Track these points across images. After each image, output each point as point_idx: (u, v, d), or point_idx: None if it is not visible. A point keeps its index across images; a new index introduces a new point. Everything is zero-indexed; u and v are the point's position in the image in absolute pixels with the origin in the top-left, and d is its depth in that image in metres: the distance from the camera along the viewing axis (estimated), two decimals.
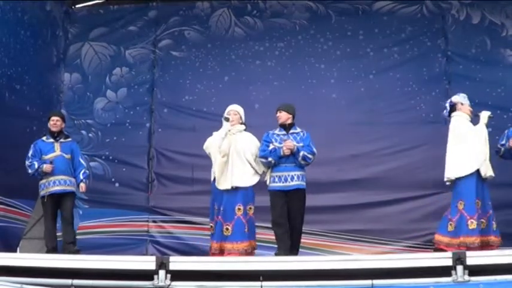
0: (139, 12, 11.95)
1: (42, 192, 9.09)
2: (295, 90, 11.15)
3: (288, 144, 8.49)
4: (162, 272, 7.29)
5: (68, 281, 7.32)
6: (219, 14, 11.82)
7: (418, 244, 10.62)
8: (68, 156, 9.20)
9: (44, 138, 9.27)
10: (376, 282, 6.97)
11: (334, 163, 10.99)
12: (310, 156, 8.56)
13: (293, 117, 8.75)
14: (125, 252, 10.47)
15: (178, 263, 7.41)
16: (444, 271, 6.92)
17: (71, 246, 9.00)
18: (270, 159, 8.54)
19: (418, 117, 11.08)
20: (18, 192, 9.91)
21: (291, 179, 8.50)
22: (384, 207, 10.87)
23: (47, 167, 8.97)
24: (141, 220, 11.24)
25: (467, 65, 11.21)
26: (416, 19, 11.50)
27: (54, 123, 9.29)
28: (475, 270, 6.87)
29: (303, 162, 8.55)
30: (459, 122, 8.57)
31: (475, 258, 6.95)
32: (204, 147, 8.76)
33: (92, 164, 11.33)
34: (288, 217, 8.47)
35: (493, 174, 8.40)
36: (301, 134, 8.76)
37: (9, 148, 9.63)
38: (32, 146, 9.17)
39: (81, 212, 11.15)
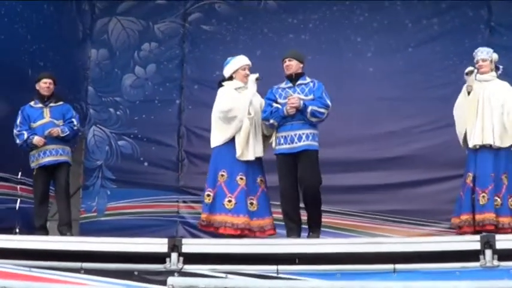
0: None
1: (32, 165, 8.54)
2: (330, 65, 10.69)
3: (292, 100, 7.46)
4: (174, 255, 6.98)
5: (78, 264, 7.08)
6: None
7: None
8: (59, 122, 8.66)
9: (32, 103, 8.70)
10: (399, 266, 6.60)
11: (370, 140, 10.54)
12: (322, 110, 7.48)
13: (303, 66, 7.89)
14: (154, 234, 10.15)
15: (191, 245, 7.11)
16: (472, 255, 6.50)
17: (65, 228, 8.48)
18: (272, 121, 7.60)
19: (459, 92, 10.38)
20: None
21: (299, 139, 7.46)
22: (422, 186, 10.40)
23: (38, 140, 8.40)
24: (171, 200, 10.98)
25: (511, 36, 10.53)
26: None
27: (47, 86, 8.68)
28: (506, 255, 6.45)
29: (313, 119, 7.48)
30: None
31: (505, 242, 6.52)
32: (226, 109, 7.73)
33: (120, 142, 11.14)
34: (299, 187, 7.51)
35: (477, 143, 7.82)
36: (311, 84, 7.70)
37: None
38: (19, 112, 8.61)
39: (109, 193, 11.02)
